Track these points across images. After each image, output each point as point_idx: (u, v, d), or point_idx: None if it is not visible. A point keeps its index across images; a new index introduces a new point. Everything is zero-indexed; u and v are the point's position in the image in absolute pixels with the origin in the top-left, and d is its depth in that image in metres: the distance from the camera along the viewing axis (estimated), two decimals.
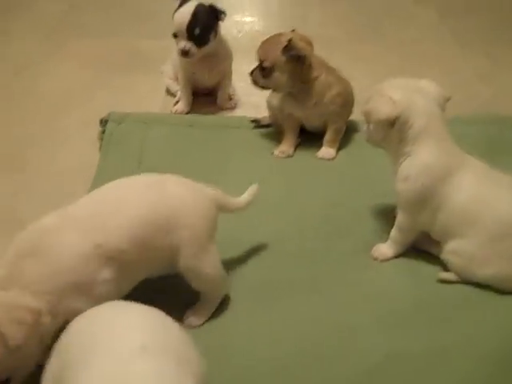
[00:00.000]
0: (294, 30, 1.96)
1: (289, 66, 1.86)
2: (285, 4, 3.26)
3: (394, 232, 1.54)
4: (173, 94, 2.35)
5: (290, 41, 1.83)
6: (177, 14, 2.07)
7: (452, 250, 1.46)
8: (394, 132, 1.44)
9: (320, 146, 1.99)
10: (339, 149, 2.00)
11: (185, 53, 2.08)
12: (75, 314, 1.10)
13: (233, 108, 2.29)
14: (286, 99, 1.96)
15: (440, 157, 1.43)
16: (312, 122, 2.00)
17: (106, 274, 1.23)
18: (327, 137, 1.99)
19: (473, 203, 1.42)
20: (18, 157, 1.99)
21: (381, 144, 1.52)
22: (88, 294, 1.20)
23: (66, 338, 1.04)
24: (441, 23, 3.01)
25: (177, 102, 2.28)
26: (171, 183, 1.36)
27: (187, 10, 2.06)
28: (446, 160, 1.44)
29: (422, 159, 1.43)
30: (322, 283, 1.49)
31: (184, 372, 0.90)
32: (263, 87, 1.96)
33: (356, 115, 2.08)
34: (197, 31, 2.06)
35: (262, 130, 2.09)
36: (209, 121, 2.14)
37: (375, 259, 1.56)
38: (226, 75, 2.28)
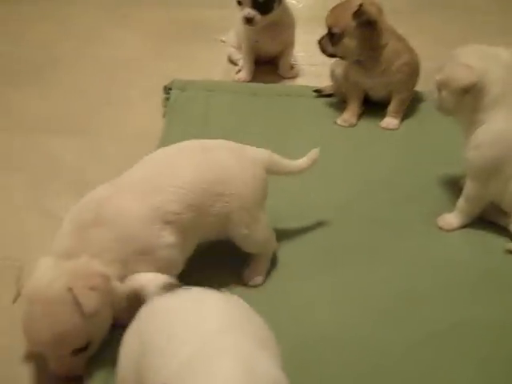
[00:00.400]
0: None
1: (359, 31, 1.83)
2: None
3: (461, 202, 1.51)
4: (234, 63, 2.35)
5: (360, 5, 1.79)
6: None
7: None
8: (468, 99, 1.40)
9: (384, 115, 1.96)
10: (403, 119, 1.97)
11: (249, 20, 2.07)
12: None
13: (295, 77, 2.28)
14: (352, 67, 1.93)
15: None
16: (377, 91, 1.97)
17: (167, 237, 1.24)
18: (391, 107, 1.95)
19: None
20: (85, 121, 2.03)
21: (453, 112, 1.48)
22: (152, 258, 1.22)
23: (143, 323, 1.00)
24: None
25: (239, 70, 2.28)
26: (222, 151, 1.36)
27: None
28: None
29: (496, 126, 1.39)
30: (386, 250, 1.48)
31: (263, 350, 0.88)
32: (332, 55, 1.93)
33: (420, 85, 2.05)
34: None
35: (325, 99, 2.08)
36: (271, 89, 2.14)
37: (440, 228, 1.53)
38: (289, 44, 2.27)
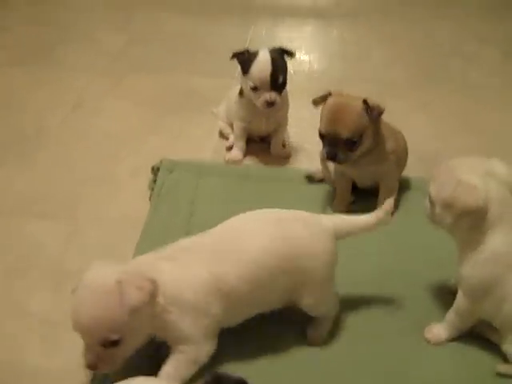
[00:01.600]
0: (330, 93, 1.77)
1: (372, 128, 1.74)
2: (343, 43, 3.19)
3: (451, 315, 1.45)
4: (225, 137, 2.31)
5: (365, 101, 1.70)
6: (255, 66, 1.99)
7: None
8: (467, 219, 1.34)
9: (376, 203, 1.91)
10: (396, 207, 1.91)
11: (271, 104, 2.02)
12: (171, 326, 1.26)
13: (287, 156, 2.23)
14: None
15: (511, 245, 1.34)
16: (364, 180, 1.92)
17: (217, 308, 1.29)
18: (380, 197, 1.87)
19: None
20: (68, 202, 1.98)
21: (448, 228, 1.41)
22: (196, 318, 1.28)
23: None
24: (506, 66, 2.91)
25: (230, 147, 2.24)
26: (298, 223, 1.38)
27: (265, 61, 1.99)
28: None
29: (492, 247, 1.33)
30: (365, 365, 1.42)
31: None
32: (345, 163, 1.78)
33: (412, 171, 2.03)
34: (280, 79, 2.02)
35: (317, 185, 2.03)
36: (262, 172, 2.10)
37: (427, 341, 1.47)
38: (282, 123, 2.23)
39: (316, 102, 1.79)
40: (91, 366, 1.23)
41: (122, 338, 1.20)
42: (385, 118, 1.80)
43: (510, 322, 1.36)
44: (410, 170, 2.04)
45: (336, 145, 1.72)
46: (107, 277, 1.21)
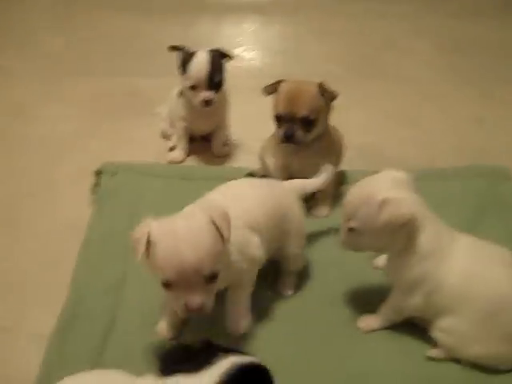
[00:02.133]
0: (282, 81, 1.85)
1: (327, 110, 1.83)
2: (284, 39, 3.25)
3: (385, 308, 1.53)
4: (168, 138, 2.34)
5: (321, 84, 1.78)
6: (193, 66, 2.04)
7: (443, 328, 1.43)
8: (402, 231, 1.39)
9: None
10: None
11: (208, 102, 2.07)
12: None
13: (228, 155, 2.28)
14: (285, 151, 1.89)
15: (436, 240, 1.41)
16: (304, 176, 1.92)
17: (256, 238, 1.47)
18: (322, 195, 1.94)
19: (466, 282, 1.40)
20: (8, 211, 1.98)
21: (380, 248, 1.49)
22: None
23: None
24: (439, 59, 3.01)
25: (172, 148, 2.28)
26: (278, 187, 1.66)
27: (202, 61, 2.04)
28: (440, 242, 1.42)
29: (424, 246, 1.40)
30: (302, 353, 1.49)
31: None
32: (301, 143, 1.83)
33: (351, 164, 2.10)
34: (217, 79, 2.07)
35: None
36: (204, 172, 2.13)
37: (360, 329, 1.55)
38: (223, 121, 2.27)
39: (267, 90, 1.85)
40: (198, 307, 1.28)
41: (218, 271, 1.30)
42: None
43: (437, 310, 1.43)
44: (349, 164, 2.10)
45: (293, 124, 1.79)
46: (197, 219, 1.30)
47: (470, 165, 2.16)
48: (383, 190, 1.38)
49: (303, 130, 1.80)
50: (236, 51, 2.97)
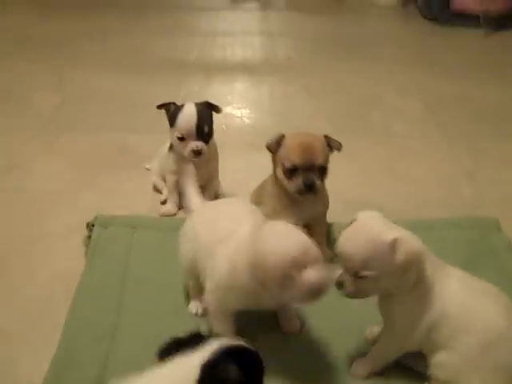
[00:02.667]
0: (284, 135, 1.87)
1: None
2: (273, 98, 3.32)
3: (378, 351, 1.52)
4: (159, 191, 2.36)
5: (327, 136, 1.84)
6: (181, 118, 2.08)
7: (438, 364, 1.42)
8: (414, 268, 1.39)
9: None
10: None
11: (198, 153, 2.09)
12: None
13: None
14: (290, 204, 1.88)
15: (435, 274, 1.42)
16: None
17: None
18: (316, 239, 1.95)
19: (461, 315, 1.40)
20: (1, 263, 1.97)
21: (388, 291, 1.45)
22: None
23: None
24: (427, 117, 3.07)
25: (164, 201, 2.29)
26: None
27: (190, 112, 2.08)
28: (439, 275, 1.43)
29: (429, 281, 1.41)
30: None
31: None
32: (318, 192, 1.84)
33: (338, 217, 2.09)
34: (206, 129, 2.09)
35: None
36: None
37: (353, 376, 1.53)
38: (213, 174, 2.29)
39: (271, 146, 1.84)
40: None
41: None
42: None
43: (434, 344, 1.42)
44: (336, 216, 2.11)
45: (313, 173, 1.80)
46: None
47: (460, 216, 2.19)
48: (384, 230, 1.37)
49: (320, 178, 1.83)
50: (226, 109, 3.05)
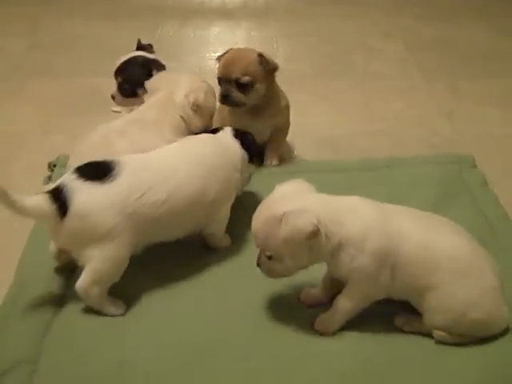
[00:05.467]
0: (232, 48, 2.02)
1: (267, 77, 1.94)
2: (252, 39, 3.24)
3: (343, 303, 1.40)
4: None
5: (261, 55, 1.92)
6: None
7: (433, 308, 1.36)
8: (319, 240, 1.30)
9: None
10: None
11: (112, 97, 2.16)
12: None
13: None
14: (240, 115, 1.98)
15: (375, 219, 1.35)
16: (264, 135, 2.05)
17: None
18: (273, 147, 2.09)
19: (425, 249, 1.35)
20: None
21: (310, 263, 1.38)
22: None
23: None
24: (408, 57, 2.99)
25: None
26: None
27: (120, 60, 2.11)
28: (379, 218, 1.36)
29: (357, 234, 1.33)
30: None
31: None
32: (240, 104, 1.95)
33: (313, 155, 2.13)
34: (118, 80, 2.11)
35: None
36: None
37: (319, 333, 1.42)
38: None
39: (217, 58, 2.01)
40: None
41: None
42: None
43: (407, 287, 1.37)
44: (311, 155, 2.12)
45: (230, 86, 1.91)
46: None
47: (435, 154, 2.15)
48: (285, 205, 1.30)
49: (241, 93, 1.91)
50: (201, 52, 2.99)
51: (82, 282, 1.42)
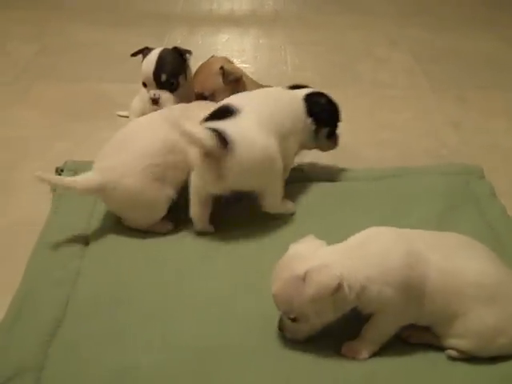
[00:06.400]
0: (213, 56, 2.17)
1: (228, 89, 2.00)
2: (260, 47, 3.24)
3: (371, 332, 1.37)
4: None
5: (222, 68, 2.01)
6: (144, 63, 2.03)
7: (457, 335, 1.34)
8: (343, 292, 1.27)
9: None
10: None
11: (155, 101, 2.02)
12: None
13: None
14: None
15: (392, 250, 1.33)
16: None
17: None
18: None
19: (446, 276, 1.32)
20: None
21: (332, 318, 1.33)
22: None
23: None
24: (415, 67, 2.99)
25: None
26: None
27: (152, 58, 2.02)
28: (396, 247, 1.33)
29: (374, 270, 1.30)
30: None
31: None
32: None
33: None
34: (163, 77, 2.01)
35: None
36: None
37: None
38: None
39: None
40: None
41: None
42: None
43: (434, 315, 1.35)
44: (316, 164, 2.13)
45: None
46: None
47: (443, 163, 2.13)
48: (301, 264, 1.28)
49: None
50: None
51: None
